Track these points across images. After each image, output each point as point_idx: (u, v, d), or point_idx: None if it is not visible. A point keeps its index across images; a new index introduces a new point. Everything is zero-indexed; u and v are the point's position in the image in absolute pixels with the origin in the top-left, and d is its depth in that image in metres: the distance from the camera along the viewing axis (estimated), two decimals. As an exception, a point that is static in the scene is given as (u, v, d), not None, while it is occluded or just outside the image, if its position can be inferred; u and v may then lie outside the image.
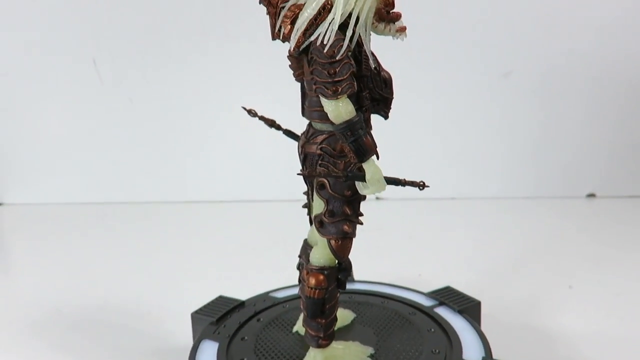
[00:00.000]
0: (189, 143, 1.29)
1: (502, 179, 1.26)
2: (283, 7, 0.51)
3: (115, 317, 0.80)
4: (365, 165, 0.48)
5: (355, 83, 0.48)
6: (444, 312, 0.65)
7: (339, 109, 0.47)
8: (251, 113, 0.61)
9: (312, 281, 0.52)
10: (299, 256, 0.60)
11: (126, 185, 1.31)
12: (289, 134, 0.61)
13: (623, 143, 1.22)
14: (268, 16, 0.52)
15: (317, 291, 0.52)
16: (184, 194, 1.30)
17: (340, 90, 0.46)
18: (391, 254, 0.99)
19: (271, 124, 0.61)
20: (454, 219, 1.17)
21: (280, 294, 0.71)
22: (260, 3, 0.52)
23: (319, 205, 0.53)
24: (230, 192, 1.28)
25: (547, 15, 1.15)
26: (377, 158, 0.49)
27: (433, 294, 0.69)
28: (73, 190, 1.31)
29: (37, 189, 1.32)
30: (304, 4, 0.48)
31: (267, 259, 0.98)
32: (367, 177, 0.49)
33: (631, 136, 1.22)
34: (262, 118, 0.61)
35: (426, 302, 0.68)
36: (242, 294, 0.72)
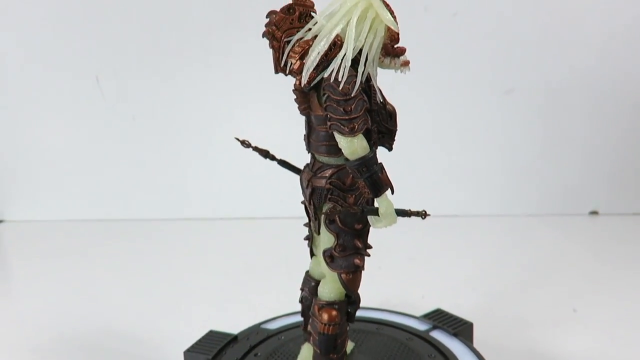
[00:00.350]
0: (191, 160, 1.28)
1: (504, 196, 1.25)
2: (287, 42, 0.50)
3: (116, 343, 0.78)
4: (378, 200, 0.49)
5: (369, 119, 0.48)
6: (439, 336, 0.66)
7: (355, 146, 0.47)
8: (244, 144, 0.60)
9: (325, 317, 0.52)
10: (301, 289, 0.59)
11: (128, 203, 1.29)
12: (284, 164, 0.60)
13: (625, 160, 1.22)
14: (272, 50, 0.52)
15: (330, 327, 0.52)
16: (186, 211, 1.29)
17: (357, 127, 0.46)
18: (393, 275, 0.96)
19: (265, 154, 0.60)
20: (456, 238, 1.15)
21: (272, 325, 0.70)
22: (263, 36, 0.51)
23: (328, 240, 0.52)
24: (234, 210, 1.27)
25: (549, 33, 1.16)
26: (392, 192, 0.49)
27: (425, 318, 0.70)
28: (75, 207, 1.30)
29: (39, 206, 1.31)
30: (312, 39, 0.48)
31: (265, 281, 0.97)
32: (381, 210, 0.49)
33: (634, 153, 1.22)
34: (255, 149, 0.60)
35: (420, 327, 0.68)
36: (244, 319, 0.72)
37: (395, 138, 0.54)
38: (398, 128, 0.54)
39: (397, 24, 0.49)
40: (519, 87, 1.19)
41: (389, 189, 0.48)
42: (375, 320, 0.70)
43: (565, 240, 1.12)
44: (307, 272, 0.59)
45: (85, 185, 1.29)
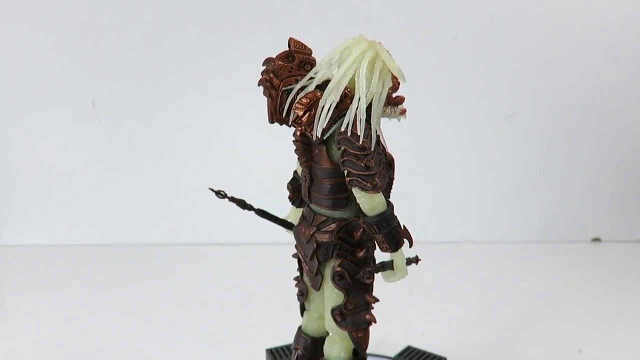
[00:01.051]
0: (188, 184, 1.19)
1: (504, 222, 1.20)
2: (286, 91, 0.48)
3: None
4: (394, 254, 0.47)
5: (386, 173, 0.47)
6: (420, 376, 0.66)
7: (374, 201, 0.46)
8: (220, 194, 0.57)
9: (341, 379, 0.49)
10: (295, 347, 0.56)
11: (125, 227, 1.20)
12: (262, 213, 0.57)
13: (628, 185, 1.18)
14: (267, 98, 0.48)
15: (347, 390, 0.49)
16: (184, 237, 1.20)
17: (379, 183, 0.45)
18: (391, 309, 0.83)
19: (243, 205, 0.56)
20: (453, 266, 1.08)
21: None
22: (259, 85, 0.48)
23: (336, 297, 0.50)
24: (231, 235, 1.19)
25: (549, 57, 1.14)
26: (411, 245, 0.48)
27: (399, 357, 0.70)
28: (70, 231, 1.20)
29: (34, 230, 1.21)
30: (317, 90, 0.46)
31: (263, 313, 0.89)
32: (397, 264, 0.48)
33: (636, 178, 1.18)
34: (232, 199, 0.56)
35: (398, 368, 0.68)
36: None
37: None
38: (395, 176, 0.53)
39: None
40: (520, 112, 1.16)
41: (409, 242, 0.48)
42: (352, 366, 0.68)
43: (568, 269, 1.07)
44: (300, 328, 0.56)
45: (81, 210, 1.21)
